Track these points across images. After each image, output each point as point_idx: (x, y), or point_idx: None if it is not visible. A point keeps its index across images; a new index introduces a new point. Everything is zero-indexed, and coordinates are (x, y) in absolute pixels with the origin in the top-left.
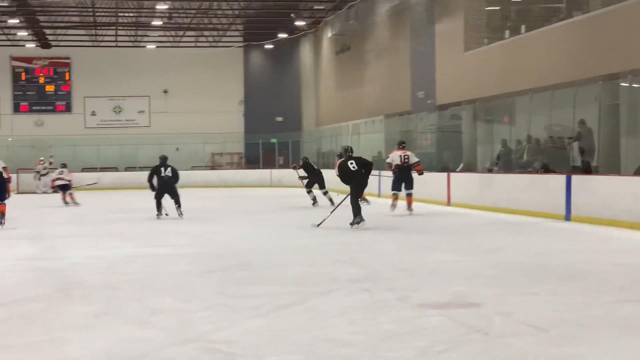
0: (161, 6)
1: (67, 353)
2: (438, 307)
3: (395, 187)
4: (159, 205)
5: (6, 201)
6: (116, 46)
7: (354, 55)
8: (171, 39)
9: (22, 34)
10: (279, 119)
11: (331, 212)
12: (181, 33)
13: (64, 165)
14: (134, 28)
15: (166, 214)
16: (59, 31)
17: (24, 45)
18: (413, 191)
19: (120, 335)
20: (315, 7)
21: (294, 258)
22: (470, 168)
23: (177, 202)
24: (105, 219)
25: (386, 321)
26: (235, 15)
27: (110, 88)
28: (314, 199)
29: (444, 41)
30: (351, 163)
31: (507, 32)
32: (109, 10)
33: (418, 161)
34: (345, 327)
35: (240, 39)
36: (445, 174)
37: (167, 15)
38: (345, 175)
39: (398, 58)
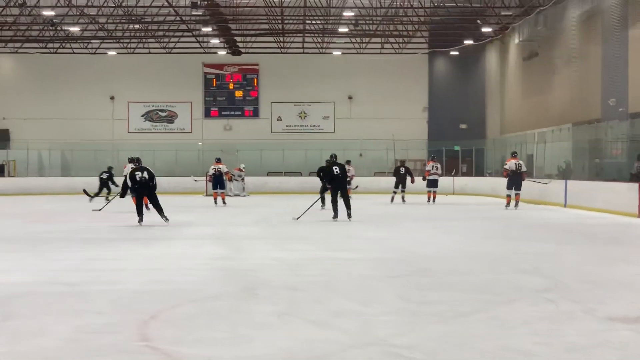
0: (348, 13)
1: (251, 350)
2: (627, 322)
3: (509, 186)
4: (323, 200)
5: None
6: (303, 53)
7: (542, 62)
8: (356, 45)
9: (214, 41)
10: (463, 126)
11: (308, 208)
12: (366, 39)
13: (348, 162)
14: (320, 35)
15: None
16: (248, 39)
17: (215, 53)
18: (520, 192)
19: (302, 335)
20: (503, 13)
21: (476, 265)
22: None
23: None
24: (288, 222)
25: (572, 333)
26: (421, 22)
27: (296, 94)
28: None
29: (637, 47)
30: (335, 168)
31: None
32: (297, 17)
33: (526, 170)
34: (529, 337)
35: (425, 45)
36: (636, 185)
37: (353, 22)
38: (328, 176)
39: (588, 64)
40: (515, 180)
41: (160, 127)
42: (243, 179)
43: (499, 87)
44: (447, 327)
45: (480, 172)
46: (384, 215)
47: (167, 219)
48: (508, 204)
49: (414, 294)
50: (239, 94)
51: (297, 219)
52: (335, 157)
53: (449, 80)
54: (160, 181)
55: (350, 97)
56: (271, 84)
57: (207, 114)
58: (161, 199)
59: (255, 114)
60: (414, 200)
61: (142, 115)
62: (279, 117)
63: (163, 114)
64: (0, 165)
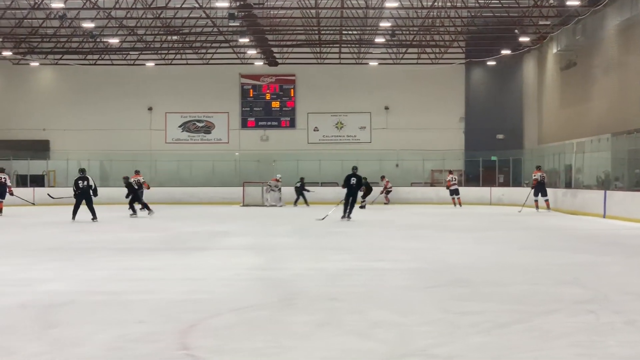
0: (385, 24)
1: None
2: None
3: (536, 194)
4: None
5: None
6: (339, 63)
7: (580, 71)
8: (393, 55)
9: (251, 52)
10: (500, 136)
11: (331, 211)
12: (403, 50)
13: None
14: (357, 45)
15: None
16: (285, 49)
17: (252, 64)
18: (548, 198)
19: (341, 345)
20: (541, 23)
21: (515, 276)
22: None
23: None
24: (325, 232)
25: (613, 344)
26: (458, 32)
27: (332, 104)
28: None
29: None
30: (353, 179)
31: None
32: (333, 28)
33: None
34: (570, 348)
35: (462, 55)
36: None
37: (389, 32)
38: (346, 184)
39: (627, 73)
40: (541, 188)
41: (198, 137)
42: (279, 189)
43: (537, 97)
44: (486, 338)
45: (517, 183)
46: (421, 225)
47: (94, 219)
48: (537, 207)
49: (452, 305)
50: (275, 104)
51: (323, 219)
52: (356, 169)
53: (486, 90)
54: (197, 191)
55: (386, 108)
56: (308, 95)
57: (244, 124)
58: (198, 208)
59: (292, 124)
60: (443, 211)
61: (180, 126)
62: (316, 127)
63: (200, 125)
64: (40, 175)
